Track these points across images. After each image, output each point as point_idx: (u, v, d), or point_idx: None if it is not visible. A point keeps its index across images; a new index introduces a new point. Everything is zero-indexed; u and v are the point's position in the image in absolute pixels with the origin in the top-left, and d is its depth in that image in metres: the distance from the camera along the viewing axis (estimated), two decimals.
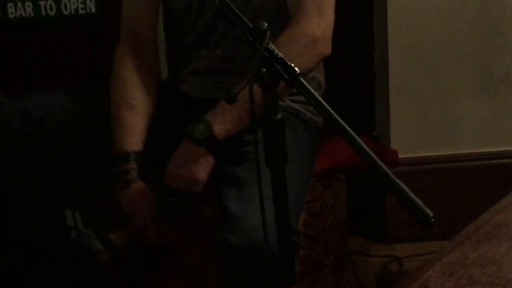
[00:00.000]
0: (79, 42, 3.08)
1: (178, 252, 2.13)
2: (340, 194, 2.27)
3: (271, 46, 1.44)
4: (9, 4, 2.97)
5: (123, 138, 2.06)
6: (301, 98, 2.00)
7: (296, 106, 2.08)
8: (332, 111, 1.45)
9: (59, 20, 3.05)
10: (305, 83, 1.45)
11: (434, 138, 3.00)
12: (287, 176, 1.48)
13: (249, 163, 1.75)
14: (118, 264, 2.48)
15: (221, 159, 1.95)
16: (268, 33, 1.45)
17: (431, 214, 1.39)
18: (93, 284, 2.31)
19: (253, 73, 1.41)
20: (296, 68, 1.42)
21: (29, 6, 3.00)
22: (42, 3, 3.00)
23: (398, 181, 1.40)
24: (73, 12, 3.03)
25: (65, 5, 3.01)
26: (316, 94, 1.47)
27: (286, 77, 1.44)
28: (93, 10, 3.03)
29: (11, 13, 2.99)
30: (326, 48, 1.98)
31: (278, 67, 1.44)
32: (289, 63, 1.43)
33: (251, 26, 1.48)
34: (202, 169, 1.91)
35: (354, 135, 1.41)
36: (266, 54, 1.44)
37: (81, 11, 3.03)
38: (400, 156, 2.70)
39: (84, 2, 3.01)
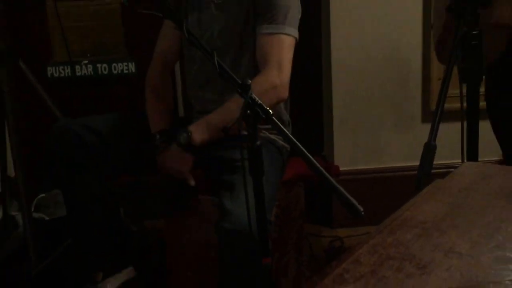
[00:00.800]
0: (123, 93, 3.06)
1: (191, 236, 2.11)
2: (300, 194, 2.25)
3: (253, 95, 1.43)
4: (76, 66, 2.96)
5: (157, 119, 2.04)
6: (274, 131, 1.99)
7: (271, 136, 2.06)
8: (294, 139, 1.44)
9: (110, 77, 3.02)
10: (276, 121, 1.45)
11: (365, 156, 2.98)
12: (264, 182, 1.47)
13: (238, 174, 1.74)
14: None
15: (220, 171, 1.94)
16: (251, 87, 1.45)
17: (361, 209, 1.39)
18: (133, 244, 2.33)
19: (240, 114, 1.40)
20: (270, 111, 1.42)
21: (89, 67, 2.99)
22: (99, 65, 2.99)
23: (339, 186, 1.40)
24: (119, 72, 3.01)
25: (114, 67, 3.00)
26: (284, 129, 1.46)
27: (264, 116, 1.43)
28: (134, 71, 3.01)
29: (78, 72, 2.97)
30: (283, 93, 1.95)
31: (258, 110, 1.43)
32: (266, 107, 1.42)
33: (240, 82, 1.47)
34: (184, 164, 1.92)
35: (309, 155, 1.41)
36: (250, 101, 1.43)
37: (125, 71, 3.01)
38: (341, 169, 2.69)
39: (127, 65, 3.00)
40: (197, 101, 2.15)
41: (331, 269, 0.76)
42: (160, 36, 2.19)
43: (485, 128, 1.72)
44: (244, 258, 1.72)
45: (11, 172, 2.32)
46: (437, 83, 2.86)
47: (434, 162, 1.51)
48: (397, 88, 2.92)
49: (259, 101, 1.42)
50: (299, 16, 2.02)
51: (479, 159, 1.70)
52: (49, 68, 2.97)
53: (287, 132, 1.44)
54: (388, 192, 2.83)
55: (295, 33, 1.98)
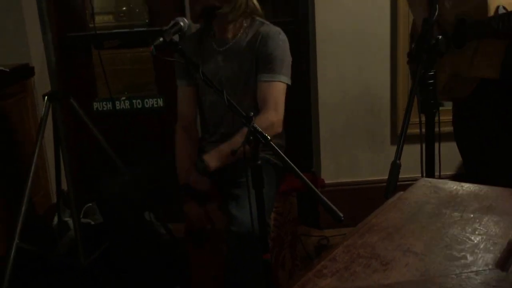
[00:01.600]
0: (153, 123, 3.06)
1: (209, 237, 2.10)
2: (293, 203, 2.24)
3: (255, 125, 1.44)
4: (116, 102, 2.98)
5: (183, 168, 2.03)
6: (271, 152, 1.98)
7: (269, 157, 2.07)
8: (287, 159, 1.45)
9: (143, 110, 3.03)
10: (274, 145, 1.46)
11: (345, 172, 2.97)
12: (264, 194, 1.48)
13: (243, 187, 1.74)
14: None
15: (228, 185, 1.94)
16: (254, 118, 1.46)
17: (341, 214, 1.39)
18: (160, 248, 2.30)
19: (245, 140, 1.41)
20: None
21: (126, 102, 3.01)
22: (134, 101, 3.01)
23: (323, 196, 1.40)
24: (151, 106, 3.02)
25: (146, 102, 3.01)
26: (279, 151, 1.47)
27: (263, 141, 1.44)
28: (162, 105, 3.02)
29: (117, 106, 2.99)
30: (278, 128, 1.98)
31: (259, 136, 1.44)
32: (265, 135, 1.44)
33: (244, 114, 1.48)
34: (202, 184, 1.94)
35: (299, 171, 1.42)
36: (252, 129, 1.44)
37: (155, 105, 3.02)
38: (326, 182, 2.70)
39: (157, 101, 3.02)
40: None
41: (313, 265, 0.76)
42: (178, 101, 2.18)
43: (443, 148, 1.70)
44: (248, 254, 1.72)
45: (64, 186, 2.34)
46: (402, 112, 2.85)
47: (400, 176, 1.50)
48: (370, 117, 2.92)
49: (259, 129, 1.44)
50: (290, 63, 2.04)
51: (437, 174, 1.70)
52: (94, 104, 2.99)
53: (283, 154, 1.45)
54: (363, 201, 2.81)
55: (288, 80, 2.02)
